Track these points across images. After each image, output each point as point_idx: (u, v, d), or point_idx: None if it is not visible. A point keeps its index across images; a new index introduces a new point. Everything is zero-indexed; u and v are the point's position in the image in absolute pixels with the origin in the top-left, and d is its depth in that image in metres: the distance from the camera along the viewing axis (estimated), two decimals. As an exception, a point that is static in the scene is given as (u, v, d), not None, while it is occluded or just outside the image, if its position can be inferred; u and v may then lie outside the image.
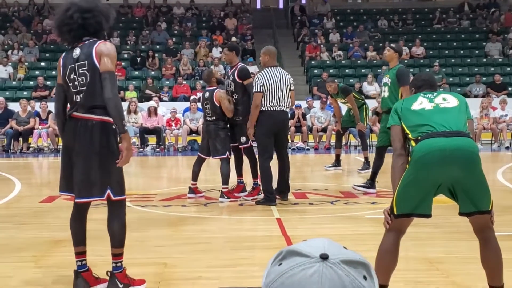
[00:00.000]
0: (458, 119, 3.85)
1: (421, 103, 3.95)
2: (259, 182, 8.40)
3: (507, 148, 16.74)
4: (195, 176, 8.68)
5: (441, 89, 7.22)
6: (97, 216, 5.98)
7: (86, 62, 4.31)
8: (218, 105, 8.33)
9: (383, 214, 3.91)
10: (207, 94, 8.52)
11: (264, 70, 8.01)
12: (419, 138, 3.78)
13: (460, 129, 3.79)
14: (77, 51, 4.39)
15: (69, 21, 4.40)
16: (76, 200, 4.42)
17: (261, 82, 7.84)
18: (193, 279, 4.84)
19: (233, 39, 23.47)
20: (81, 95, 4.33)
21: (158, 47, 23.52)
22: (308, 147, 16.66)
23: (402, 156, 3.90)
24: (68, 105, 4.49)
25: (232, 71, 8.38)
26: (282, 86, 7.88)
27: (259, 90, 7.83)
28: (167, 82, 21.25)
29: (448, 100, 3.97)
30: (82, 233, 4.58)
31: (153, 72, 21.96)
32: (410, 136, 3.86)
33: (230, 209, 7.91)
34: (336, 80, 12.84)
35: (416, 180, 3.72)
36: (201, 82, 20.58)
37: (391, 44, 8.61)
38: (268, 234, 6.34)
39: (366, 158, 11.41)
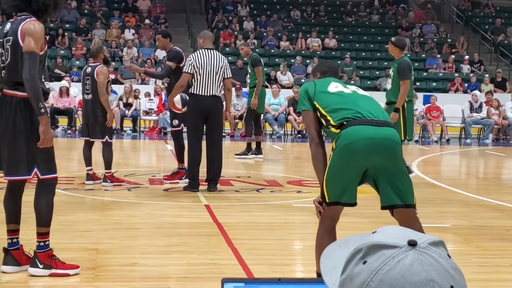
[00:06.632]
0: (382, 109, 3.84)
1: (337, 86, 3.84)
2: (184, 167, 8.29)
3: (416, 141, 17.28)
4: (88, 162, 8.01)
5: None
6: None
7: (11, 38, 4.27)
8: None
9: (314, 205, 3.78)
10: (89, 69, 7.90)
11: (198, 51, 7.84)
12: (344, 123, 3.64)
13: (386, 119, 3.76)
14: (7, 26, 4.35)
15: None
16: (4, 178, 4.42)
17: (192, 63, 7.64)
18: (129, 265, 4.72)
19: (147, 21, 23.04)
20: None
21: (67, 25, 22.73)
22: (224, 134, 16.56)
23: (321, 144, 3.80)
24: None
25: (166, 56, 8.34)
26: (214, 70, 7.66)
27: (187, 71, 7.60)
28: (77, 62, 20.62)
29: (360, 90, 3.94)
30: (15, 211, 4.52)
31: (62, 51, 21.25)
32: (331, 121, 3.69)
33: (156, 194, 7.70)
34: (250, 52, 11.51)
35: (342, 167, 3.62)
36: (114, 63, 20.09)
37: (392, 38, 8.35)
38: (199, 220, 6.25)
39: (249, 145, 11.50)
